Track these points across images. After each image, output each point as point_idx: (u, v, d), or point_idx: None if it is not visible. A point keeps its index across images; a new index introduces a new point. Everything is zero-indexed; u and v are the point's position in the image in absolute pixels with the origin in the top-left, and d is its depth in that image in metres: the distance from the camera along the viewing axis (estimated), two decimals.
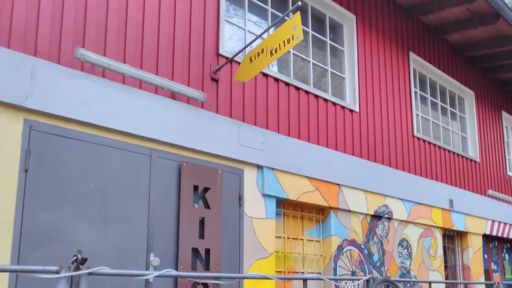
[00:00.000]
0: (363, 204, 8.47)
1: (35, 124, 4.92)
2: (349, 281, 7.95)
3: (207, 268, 6.07)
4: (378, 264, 8.62)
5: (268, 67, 7.51)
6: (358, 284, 8.08)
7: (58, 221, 4.94)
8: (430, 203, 10.04)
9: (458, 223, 10.81)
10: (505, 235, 12.55)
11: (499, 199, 12.65)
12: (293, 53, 8.16)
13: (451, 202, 10.63)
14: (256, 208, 6.83)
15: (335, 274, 7.74)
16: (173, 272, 3.36)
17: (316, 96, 8.14)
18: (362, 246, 8.38)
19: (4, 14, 4.88)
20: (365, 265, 8.37)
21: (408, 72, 10.38)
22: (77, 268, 2.76)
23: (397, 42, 10.22)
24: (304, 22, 8.48)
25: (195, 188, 6.15)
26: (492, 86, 13.60)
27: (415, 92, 10.81)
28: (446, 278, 10.69)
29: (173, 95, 6.15)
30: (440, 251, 10.28)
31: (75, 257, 2.77)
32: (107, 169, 5.41)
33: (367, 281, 5.25)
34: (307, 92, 7.98)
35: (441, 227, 10.36)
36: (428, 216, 9.96)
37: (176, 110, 6.09)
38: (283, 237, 7.47)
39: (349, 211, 8.26)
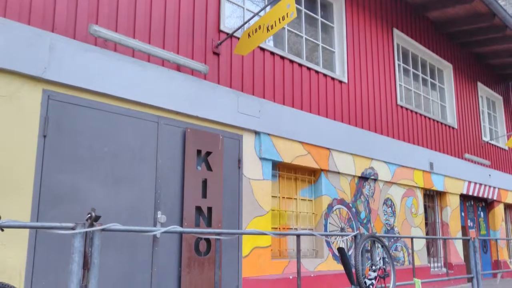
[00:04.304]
0: (351, 167, 8.47)
1: (53, 93, 4.87)
2: (338, 236, 8.01)
3: (209, 224, 6.09)
4: (365, 221, 8.67)
5: (265, 42, 7.42)
6: (346, 239, 8.14)
7: (74, 182, 4.94)
8: (412, 165, 10.05)
9: (437, 184, 10.84)
10: (480, 195, 12.61)
11: (474, 162, 12.67)
12: (288, 29, 8.06)
13: (431, 164, 10.64)
14: (253, 170, 6.83)
15: (325, 230, 7.79)
16: (179, 229, 3.37)
17: (309, 69, 8.06)
18: (350, 205, 8.41)
19: None
20: (353, 222, 8.42)
21: (392, 47, 10.27)
22: (91, 225, 2.76)
23: (382, 19, 10.09)
24: (298, 1, 8.36)
25: (198, 152, 6.13)
26: (468, 60, 13.49)
27: (399, 65, 10.73)
28: (427, 234, 10.78)
29: (178, 67, 6.08)
30: (421, 210, 10.33)
31: (89, 215, 2.77)
32: (119, 135, 5.38)
33: (355, 236, 5.28)
34: (300, 65, 7.90)
35: (422, 188, 10.39)
36: (410, 178, 9.98)
37: (181, 81, 6.04)
38: (279, 197, 7.49)
39: (338, 173, 8.26)
